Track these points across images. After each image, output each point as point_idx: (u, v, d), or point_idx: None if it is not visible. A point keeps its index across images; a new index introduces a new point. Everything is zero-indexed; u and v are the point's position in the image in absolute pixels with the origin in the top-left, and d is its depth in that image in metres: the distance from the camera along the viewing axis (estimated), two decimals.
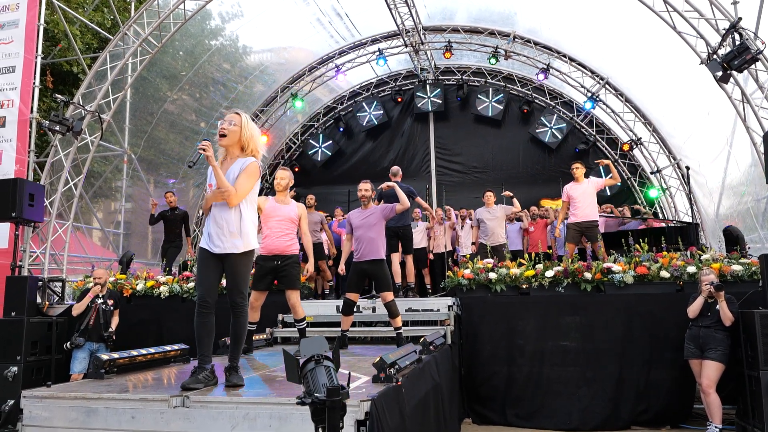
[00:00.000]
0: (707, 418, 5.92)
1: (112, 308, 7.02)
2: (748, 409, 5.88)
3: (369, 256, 5.79)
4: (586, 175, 8.29)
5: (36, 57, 8.96)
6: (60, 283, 8.64)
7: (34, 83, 8.90)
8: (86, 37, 12.36)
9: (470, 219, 10.25)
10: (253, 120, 13.81)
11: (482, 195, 9.79)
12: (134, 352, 4.25)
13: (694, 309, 6.03)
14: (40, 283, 8.25)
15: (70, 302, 8.00)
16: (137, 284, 8.06)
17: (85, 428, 3.03)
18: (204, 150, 3.39)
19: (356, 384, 3.46)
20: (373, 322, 7.15)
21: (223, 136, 3.55)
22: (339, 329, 5.99)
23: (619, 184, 9.40)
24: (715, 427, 5.80)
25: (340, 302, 6.75)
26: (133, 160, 11.58)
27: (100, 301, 6.94)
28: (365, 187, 6.01)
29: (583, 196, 7.98)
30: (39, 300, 8.13)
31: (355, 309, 6.08)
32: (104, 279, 7.13)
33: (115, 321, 7.06)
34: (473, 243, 9.87)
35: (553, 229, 10.16)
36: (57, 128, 8.15)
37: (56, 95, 8.52)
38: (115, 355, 4.02)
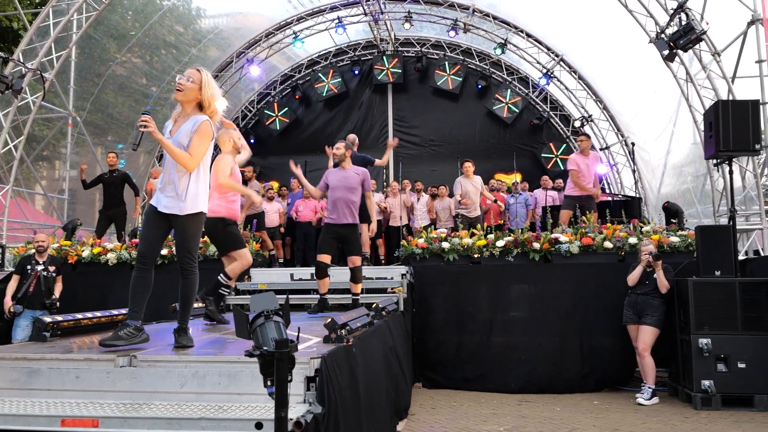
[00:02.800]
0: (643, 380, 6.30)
1: (54, 275, 6.80)
2: (680, 371, 6.29)
3: (344, 220, 5.75)
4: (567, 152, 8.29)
5: None
6: (0, 249, 8.28)
7: None
8: None
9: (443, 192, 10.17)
10: None
11: (461, 165, 9.29)
12: (79, 315, 4.15)
13: (633, 277, 6.34)
14: None
15: (10, 269, 7.69)
16: (83, 251, 7.81)
17: (27, 388, 2.96)
18: (146, 125, 3.28)
19: (307, 344, 3.51)
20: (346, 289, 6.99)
21: (178, 90, 3.44)
22: (290, 296, 5.97)
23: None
24: (649, 387, 6.18)
25: (290, 270, 6.74)
26: (78, 124, 11.07)
27: (40, 267, 6.71)
28: (340, 145, 5.90)
29: (587, 170, 8.02)
30: None
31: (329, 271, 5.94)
32: (47, 244, 6.88)
33: (58, 288, 6.85)
34: (455, 216, 9.50)
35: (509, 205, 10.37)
36: None
37: None
38: (59, 318, 3.92)
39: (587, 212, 7.67)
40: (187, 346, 3.41)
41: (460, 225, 8.71)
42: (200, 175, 3.53)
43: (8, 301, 6.52)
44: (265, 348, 2.21)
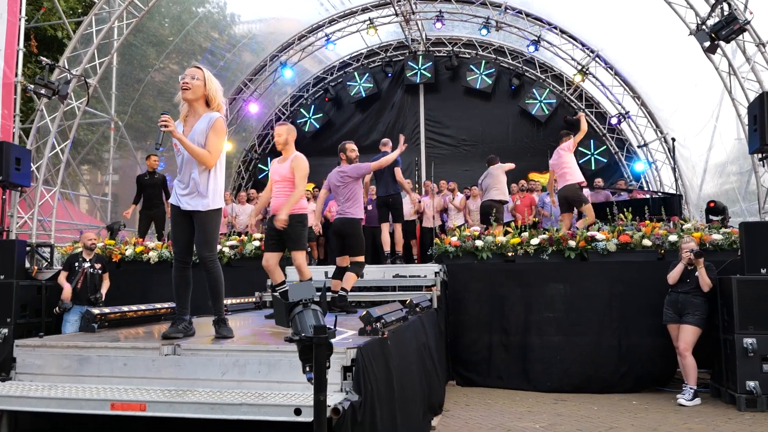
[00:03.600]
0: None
1: (100, 272, 7.06)
2: (723, 372, 6.09)
3: None
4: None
5: (19, 20, 8.77)
6: (48, 249, 8.64)
7: (18, 46, 8.72)
8: (70, 1, 12.10)
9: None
10: (242, 89, 13.81)
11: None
12: (125, 308, 4.32)
13: (673, 275, 6.18)
14: (29, 248, 8.24)
15: (59, 267, 8.01)
16: (126, 249, 8.07)
17: (78, 375, 3.11)
18: (166, 125, 3.39)
19: (343, 336, 3.56)
20: (383, 287, 7.00)
21: (186, 89, 3.52)
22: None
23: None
24: (690, 388, 6.01)
25: (325, 268, 6.82)
26: (120, 128, 11.47)
27: (87, 265, 6.97)
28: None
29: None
30: (28, 265, 8.13)
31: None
32: (97, 241, 7.22)
33: (105, 285, 7.10)
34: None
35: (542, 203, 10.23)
36: (42, 92, 8.05)
37: (41, 58, 8.37)
38: (107, 310, 4.09)
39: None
40: (227, 337, 3.51)
41: (493, 222, 8.61)
42: (218, 172, 3.66)
43: (68, 288, 6.77)
44: (303, 334, 2.26)
